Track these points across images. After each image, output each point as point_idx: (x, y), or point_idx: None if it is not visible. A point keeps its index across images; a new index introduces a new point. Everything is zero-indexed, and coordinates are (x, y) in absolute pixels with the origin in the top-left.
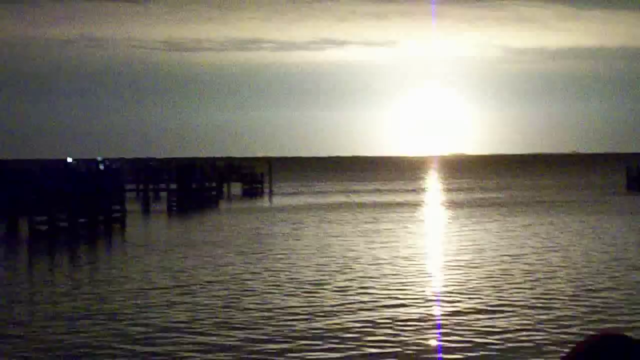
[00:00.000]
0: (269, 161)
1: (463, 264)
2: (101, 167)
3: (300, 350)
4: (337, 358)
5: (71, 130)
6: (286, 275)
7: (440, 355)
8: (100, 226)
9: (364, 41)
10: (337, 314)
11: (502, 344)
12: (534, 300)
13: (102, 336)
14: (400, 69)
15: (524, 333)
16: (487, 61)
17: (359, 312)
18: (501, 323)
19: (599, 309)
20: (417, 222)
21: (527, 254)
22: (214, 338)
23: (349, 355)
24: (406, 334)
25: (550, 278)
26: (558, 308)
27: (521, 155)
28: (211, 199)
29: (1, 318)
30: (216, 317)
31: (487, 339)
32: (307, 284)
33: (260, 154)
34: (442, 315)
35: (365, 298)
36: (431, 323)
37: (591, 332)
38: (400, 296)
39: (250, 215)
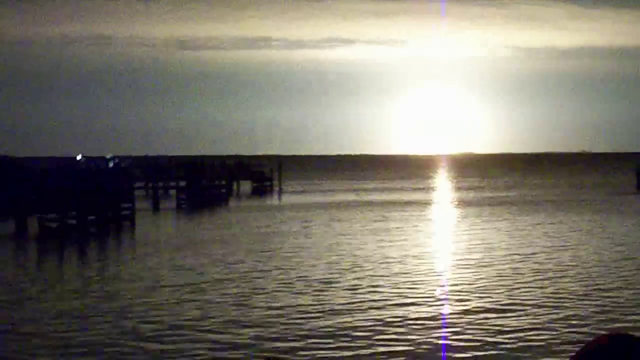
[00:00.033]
0: (279, 159)
1: (473, 263)
2: (110, 164)
3: (311, 349)
4: (347, 357)
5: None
6: (296, 273)
7: (445, 354)
8: (109, 224)
9: (372, 40)
10: (348, 312)
11: (513, 343)
12: (544, 299)
13: (113, 334)
14: (408, 67)
15: (534, 332)
16: (496, 60)
17: (369, 310)
18: (511, 322)
19: (609, 309)
20: (426, 220)
21: (537, 253)
22: (225, 336)
23: (359, 354)
24: (416, 332)
25: (560, 277)
26: (568, 307)
27: (530, 154)
28: (221, 197)
29: (12, 315)
30: (226, 315)
31: (497, 338)
32: (317, 282)
33: (269, 152)
34: (452, 314)
35: (375, 297)
36: (441, 322)
37: (602, 332)
38: (410, 295)
39: (259, 213)
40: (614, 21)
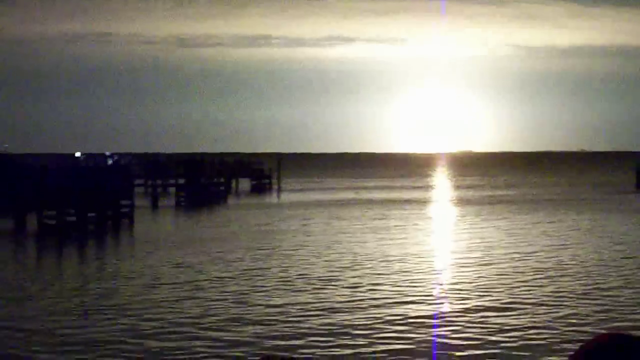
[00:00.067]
0: (279, 157)
1: (472, 262)
2: (109, 162)
3: (311, 347)
4: (347, 355)
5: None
6: (295, 271)
7: (444, 352)
8: (108, 221)
9: (372, 38)
10: (348, 310)
11: (513, 342)
12: (544, 298)
13: (112, 331)
14: (408, 66)
15: (534, 331)
16: (496, 59)
17: (369, 308)
18: (511, 321)
19: (609, 308)
20: (426, 219)
21: (536, 252)
22: (224, 334)
23: (359, 352)
24: (416, 331)
25: (560, 276)
26: (568, 306)
27: (530, 153)
28: (220, 195)
29: (12, 313)
30: (226, 313)
31: (497, 336)
32: (316, 280)
33: (268, 150)
34: (452, 312)
35: (375, 295)
36: (441, 320)
37: (601, 331)
38: (410, 293)
39: (258, 211)
40: (614, 20)
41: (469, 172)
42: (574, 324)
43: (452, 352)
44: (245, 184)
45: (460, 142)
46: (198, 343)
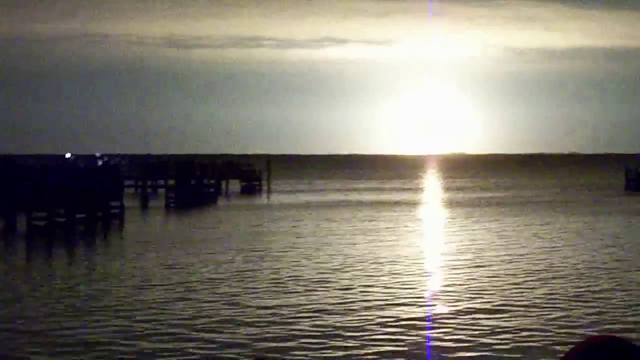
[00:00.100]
0: (268, 159)
1: (464, 264)
2: (99, 163)
3: (302, 349)
4: (339, 357)
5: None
6: (287, 273)
7: (436, 354)
8: (98, 222)
9: (364, 39)
10: (340, 312)
11: (504, 344)
12: (536, 301)
13: (104, 332)
14: (400, 67)
15: (526, 333)
16: (487, 60)
17: (361, 310)
18: (503, 323)
19: (601, 310)
20: (417, 220)
21: (528, 254)
22: (215, 335)
23: (351, 354)
24: (407, 333)
25: (551, 278)
26: (560, 308)
27: (521, 155)
28: (209, 196)
29: (3, 314)
30: (218, 315)
31: (488, 339)
32: (308, 282)
33: (258, 152)
34: (444, 314)
35: (367, 297)
36: (432, 323)
37: (594, 333)
38: (402, 295)
39: (248, 213)
40: (610, 22)
41: (460, 174)
42: (565, 326)
43: (445, 354)
44: (234, 185)
45: (451, 143)
46: (190, 344)
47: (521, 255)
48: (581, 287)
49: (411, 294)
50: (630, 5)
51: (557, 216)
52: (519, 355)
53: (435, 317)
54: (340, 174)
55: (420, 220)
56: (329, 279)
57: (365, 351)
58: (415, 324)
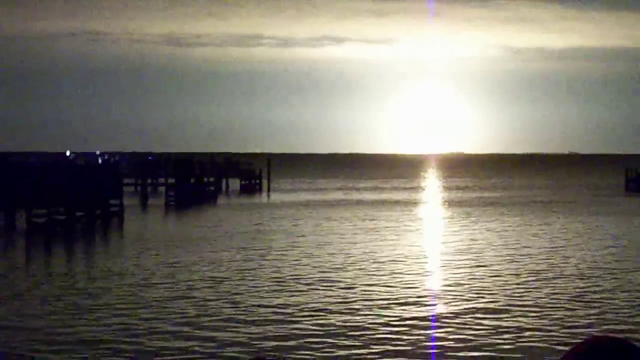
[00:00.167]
0: (268, 157)
1: (465, 264)
2: (99, 161)
3: (304, 348)
4: (341, 356)
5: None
6: (288, 271)
7: (438, 354)
8: (98, 220)
9: (363, 39)
10: (342, 311)
11: (506, 344)
12: (538, 301)
13: (104, 330)
14: (399, 67)
15: (529, 333)
16: (486, 61)
17: (363, 310)
18: (506, 323)
19: (602, 310)
20: (416, 220)
21: (529, 254)
22: (219, 334)
23: (352, 353)
24: (409, 332)
25: (553, 278)
26: (562, 309)
27: (520, 155)
28: (209, 195)
29: (4, 311)
30: (220, 313)
31: (490, 339)
32: (310, 281)
33: (258, 150)
34: (447, 314)
35: (369, 296)
36: (434, 322)
37: (594, 333)
38: (404, 295)
39: (249, 211)
40: (607, 23)
41: (459, 173)
42: (568, 327)
43: (449, 354)
44: (234, 184)
45: (450, 143)
46: (191, 343)
47: (522, 255)
48: (583, 288)
49: (413, 293)
50: (628, 6)
51: (556, 216)
52: (521, 355)
53: (438, 316)
54: (340, 172)
55: (420, 220)
56: (331, 278)
57: (368, 350)
58: (419, 324)
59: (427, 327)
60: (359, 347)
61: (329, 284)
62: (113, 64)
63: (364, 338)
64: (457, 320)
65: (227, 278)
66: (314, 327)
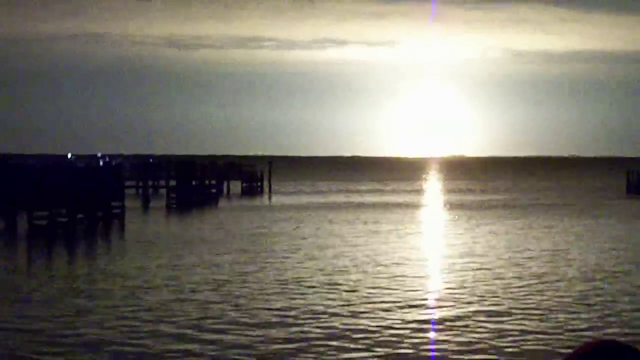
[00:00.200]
0: (270, 160)
1: (467, 267)
2: (100, 163)
3: (307, 351)
4: (345, 359)
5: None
6: (291, 274)
7: (439, 357)
8: (99, 222)
9: (364, 41)
10: (345, 314)
11: (510, 347)
12: (541, 304)
13: (106, 333)
14: (400, 69)
15: (531, 337)
16: (487, 63)
17: (366, 312)
18: (508, 326)
19: (604, 313)
20: (418, 223)
21: (531, 257)
22: (223, 336)
23: (358, 357)
24: (411, 335)
25: (556, 281)
26: (565, 312)
27: (519, 158)
28: (211, 197)
29: (4, 313)
30: (224, 316)
31: (494, 342)
32: (312, 283)
33: (260, 153)
34: (449, 317)
35: (372, 299)
36: (436, 326)
37: (597, 337)
38: (407, 298)
39: (250, 214)
40: (608, 26)
41: (461, 176)
42: (571, 330)
43: (450, 357)
44: (236, 186)
45: (452, 146)
46: (194, 345)
47: (524, 258)
48: (585, 290)
49: (415, 296)
50: (629, 8)
51: (559, 219)
52: (524, 359)
53: (440, 319)
54: (342, 175)
55: (422, 223)
56: (333, 281)
57: (371, 353)
58: (421, 327)
59: (429, 330)
60: (361, 350)
61: (332, 287)
62: (114, 65)
63: (366, 341)
64: (459, 323)
65: (229, 280)
66: (317, 330)
